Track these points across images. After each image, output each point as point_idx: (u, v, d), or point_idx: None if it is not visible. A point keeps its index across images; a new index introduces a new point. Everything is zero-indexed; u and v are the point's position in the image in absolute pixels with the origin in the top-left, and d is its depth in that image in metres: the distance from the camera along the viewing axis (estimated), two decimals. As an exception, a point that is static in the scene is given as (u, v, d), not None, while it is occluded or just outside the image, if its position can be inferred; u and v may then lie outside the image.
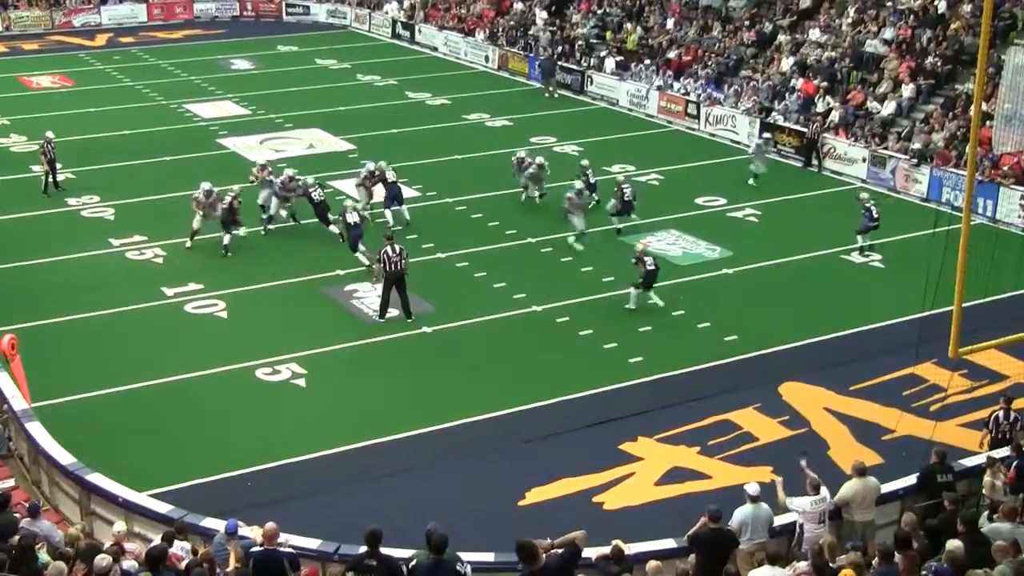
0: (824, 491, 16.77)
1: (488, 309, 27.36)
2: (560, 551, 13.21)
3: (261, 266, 29.72)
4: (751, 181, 36.84)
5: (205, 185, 30.90)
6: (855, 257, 30.69)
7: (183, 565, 14.92)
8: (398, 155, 39.00)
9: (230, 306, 27.48)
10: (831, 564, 13.99)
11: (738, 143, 41.84)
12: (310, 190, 32.08)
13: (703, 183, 37.09)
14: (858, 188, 29.02)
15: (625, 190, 32.32)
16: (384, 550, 14.11)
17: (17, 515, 17.49)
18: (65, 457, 19.86)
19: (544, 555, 12.95)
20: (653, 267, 27.09)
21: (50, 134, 36.72)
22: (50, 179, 35.64)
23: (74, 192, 35.92)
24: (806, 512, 16.48)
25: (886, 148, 37.66)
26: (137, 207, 34.65)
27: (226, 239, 30.49)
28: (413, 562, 13.02)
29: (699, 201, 35.32)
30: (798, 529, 16.45)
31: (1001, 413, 19.80)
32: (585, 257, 30.16)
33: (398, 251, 26.30)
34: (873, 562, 13.95)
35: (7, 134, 42.59)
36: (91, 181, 37.04)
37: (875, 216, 30.43)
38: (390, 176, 33.36)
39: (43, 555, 14.60)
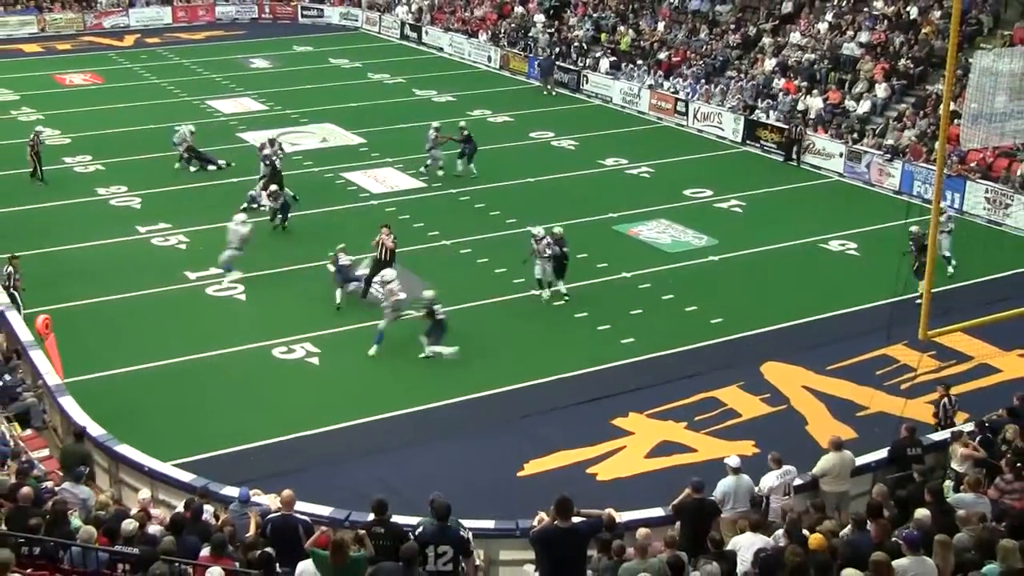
0: (786, 466, 16.82)
1: (489, 293, 27.36)
2: (586, 519, 13.21)
3: (277, 252, 29.69)
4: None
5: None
6: (832, 246, 30.65)
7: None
8: (406, 148, 39.08)
9: (248, 289, 27.49)
10: (804, 531, 14.02)
11: (724, 139, 41.78)
12: (274, 158, 33.16)
13: (691, 176, 37.05)
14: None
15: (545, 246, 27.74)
16: (393, 518, 14.18)
17: (51, 483, 17.65)
18: (95, 429, 19.90)
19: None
20: (443, 316, 24.39)
21: (40, 128, 36.89)
22: (37, 171, 35.61)
23: (103, 182, 35.90)
24: (772, 487, 16.54)
25: (862, 144, 37.60)
26: (162, 196, 34.62)
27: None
28: (419, 528, 13.06)
29: (687, 192, 35.29)
30: (765, 501, 16.49)
31: (946, 400, 20.01)
32: (581, 245, 30.08)
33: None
34: (846, 529, 13.98)
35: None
36: (119, 172, 37.00)
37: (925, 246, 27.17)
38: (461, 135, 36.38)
39: (75, 520, 14.64)
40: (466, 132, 36.69)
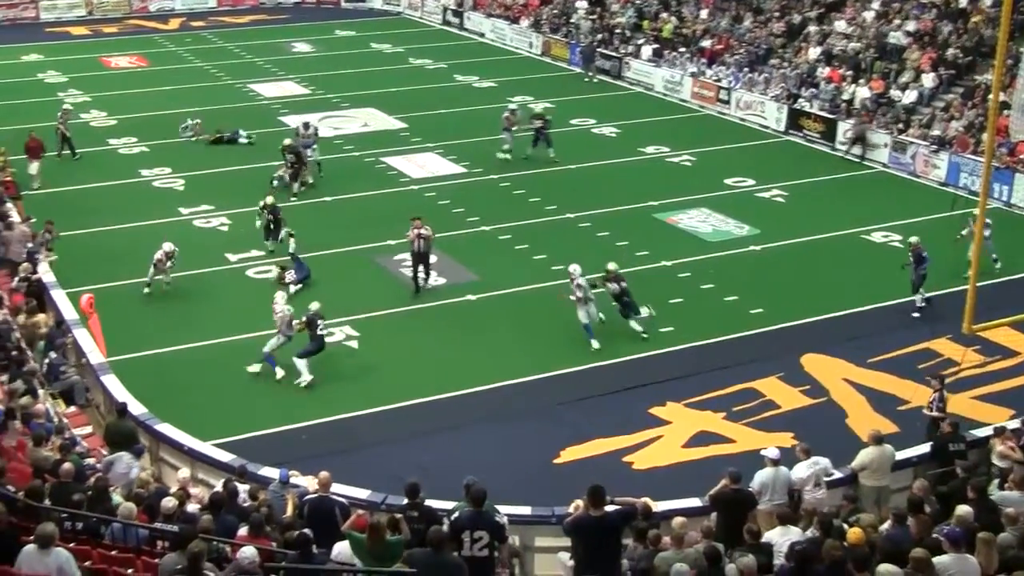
0: (816, 457, 16.75)
1: (529, 279, 27.34)
2: (619, 507, 13.22)
3: (318, 236, 29.77)
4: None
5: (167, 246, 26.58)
6: (875, 237, 30.44)
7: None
8: (447, 134, 39.17)
9: (289, 272, 27.56)
10: (841, 525, 13.95)
11: (766, 128, 41.55)
12: (300, 147, 33.62)
13: (733, 165, 36.87)
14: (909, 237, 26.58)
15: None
16: (427, 501, 14.22)
17: (93, 459, 17.83)
18: (137, 407, 20.07)
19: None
20: (324, 331, 23.15)
21: (67, 106, 37.24)
22: (66, 148, 35.99)
23: (147, 164, 36.13)
24: (802, 478, 16.46)
25: (907, 135, 37.29)
26: (205, 179, 34.83)
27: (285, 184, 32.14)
28: (455, 514, 13.07)
29: (729, 182, 35.13)
30: (797, 494, 16.42)
31: (938, 395, 19.85)
32: (621, 233, 30.07)
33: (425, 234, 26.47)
34: (886, 524, 13.91)
35: (88, 110, 42.74)
36: (163, 154, 37.23)
37: (924, 257, 25.77)
38: (536, 123, 36.49)
39: (116, 496, 14.77)
40: (545, 117, 36.91)
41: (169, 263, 26.37)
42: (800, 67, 43.14)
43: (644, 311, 24.51)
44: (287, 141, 33.52)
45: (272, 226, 28.56)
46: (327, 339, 23.15)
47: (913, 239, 25.98)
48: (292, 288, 26.39)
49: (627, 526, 13.45)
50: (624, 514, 13.17)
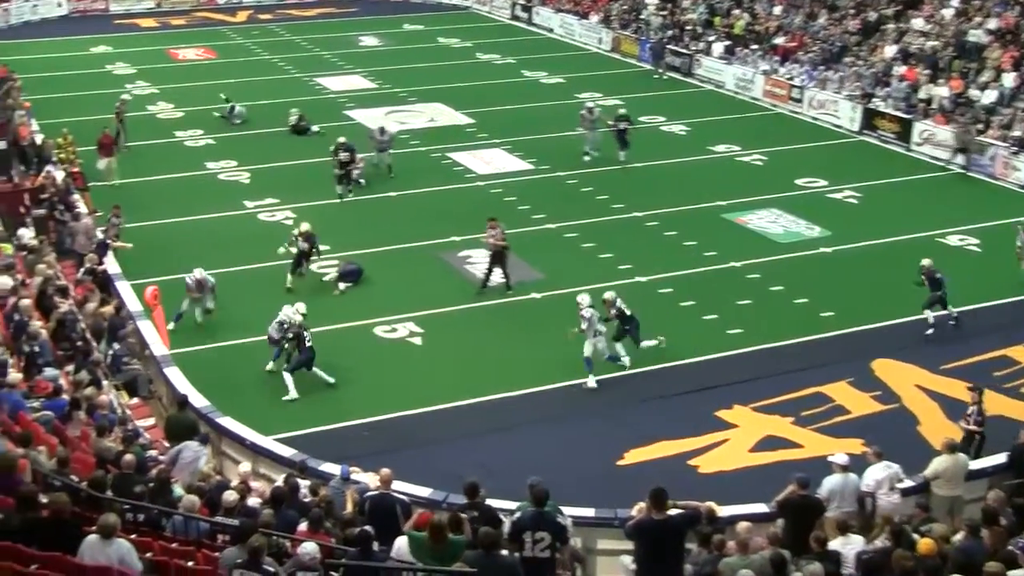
0: (886, 461, 16.57)
1: (595, 278, 27.26)
2: (683, 511, 13.16)
3: (383, 230, 29.92)
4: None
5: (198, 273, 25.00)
6: (951, 240, 30.08)
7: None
8: (514, 130, 39.19)
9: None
10: (912, 535, 13.79)
11: (840, 127, 41.18)
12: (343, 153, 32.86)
13: (804, 165, 36.58)
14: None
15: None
16: (489, 501, 14.23)
17: (155, 451, 18.04)
18: (199, 400, 20.27)
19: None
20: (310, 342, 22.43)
21: (125, 96, 37.68)
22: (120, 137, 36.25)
23: (213, 157, 36.50)
24: (879, 480, 16.28)
25: (986, 136, 36.79)
26: (270, 172, 35.13)
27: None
28: (517, 514, 13.03)
29: (800, 182, 34.86)
30: (872, 498, 16.25)
31: (976, 408, 19.41)
32: (689, 232, 29.95)
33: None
34: (958, 535, 13.72)
35: (155, 102, 43.28)
36: (229, 147, 37.62)
37: (940, 279, 25.10)
38: (621, 124, 36.12)
39: (178, 489, 14.92)
40: (628, 118, 36.61)
41: (201, 293, 24.71)
42: (875, 66, 42.71)
43: (653, 341, 23.63)
44: (340, 139, 33.18)
45: (304, 257, 26.76)
46: (392, 336, 23.23)
47: (926, 261, 25.17)
48: (342, 286, 26.60)
49: (691, 530, 13.39)
50: (688, 518, 13.11)
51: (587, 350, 22.63)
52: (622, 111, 37.06)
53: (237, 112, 40.37)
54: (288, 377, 22.03)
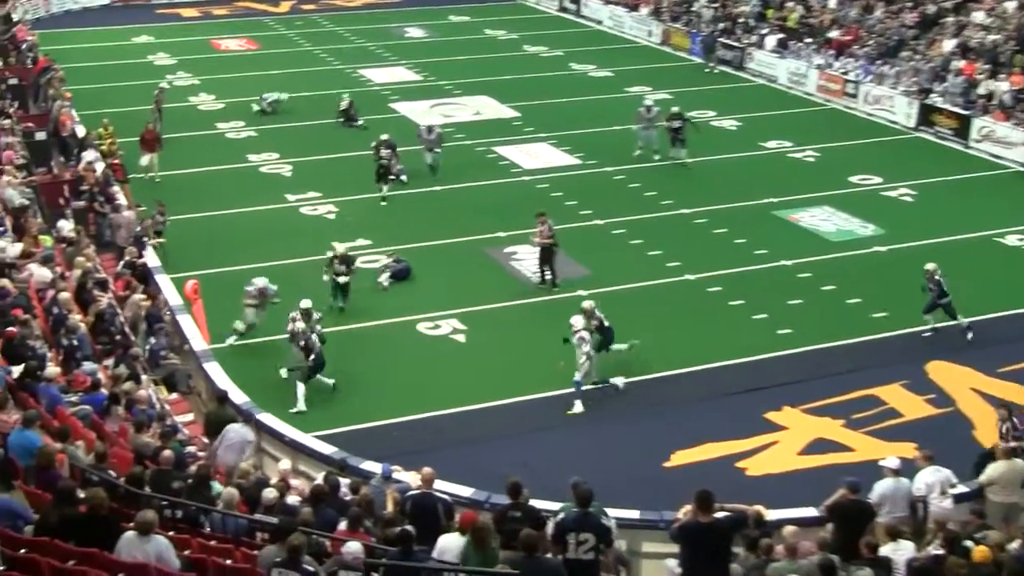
0: (937, 466, 16.45)
1: (642, 276, 27.27)
2: (729, 514, 13.12)
3: (427, 225, 30.00)
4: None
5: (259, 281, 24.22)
6: (1009, 240, 29.81)
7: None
8: (561, 124, 39.16)
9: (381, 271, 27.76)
10: (965, 542, 13.68)
11: (895, 123, 40.89)
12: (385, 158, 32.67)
13: (858, 161, 36.33)
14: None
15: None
16: (532, 502, 14.23)
17: (194, 447, 18.19)
18: (238, 396, 20.39)
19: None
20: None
21: (164, 84, 37.91)
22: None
23: (255, 149, 36.71)
24: (929, 484, 16.16)
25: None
26: (312, 165, 35.30)
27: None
28: (561, 515, 13.02)
29: (854, 179, 34.64)
30: (923, 505, 16.14)
31: (1009, 424, 18.74)
32: (739, 230, 29.84)
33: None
34: (1014, 543, 13.61)
35: (196, 93, 43.63)
36: (271, 139, 37.82)
37: (944, 290, 24.42)
38: (675, 123, 35.45)
39: (217, 486, 15.02)
40: (683, 116, 35.98)
41: (261, 300, 23.85)
42: (933, 60, 42.37)
43: (624, 345, 23.14)
44: (384, 136, 33.16)
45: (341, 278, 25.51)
46: (435, 333, 23.26)
47: (930, 265, 24.56)
48: (386, 282, 26.67)
49: (738, 534, 13.35)
50: (734, 522, 13.06)
51: (579, 373, 21.83)
52: (675, 109, 36.55)
53: (272, 101, 40.57)
54: (300, 388, 21.58)
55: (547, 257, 26.52)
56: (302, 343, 21.78)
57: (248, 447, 17.88)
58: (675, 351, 23.66)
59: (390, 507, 15.18)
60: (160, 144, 34.32)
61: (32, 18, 55.12)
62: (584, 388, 21.78)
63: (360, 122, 39.10)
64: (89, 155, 31.28)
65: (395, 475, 16.52)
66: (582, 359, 21.74)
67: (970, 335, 24.25)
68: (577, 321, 22.21)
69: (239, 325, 23.73)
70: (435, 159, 33.83)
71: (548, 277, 26.58)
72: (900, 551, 13.74)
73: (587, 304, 22.79)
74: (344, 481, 16.11)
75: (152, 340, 22.40)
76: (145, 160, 33.49)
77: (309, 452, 19.10)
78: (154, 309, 23.37)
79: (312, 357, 21.63)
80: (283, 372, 22.39)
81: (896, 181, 34.38)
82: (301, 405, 21.29)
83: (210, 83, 44.95)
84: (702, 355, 23.52)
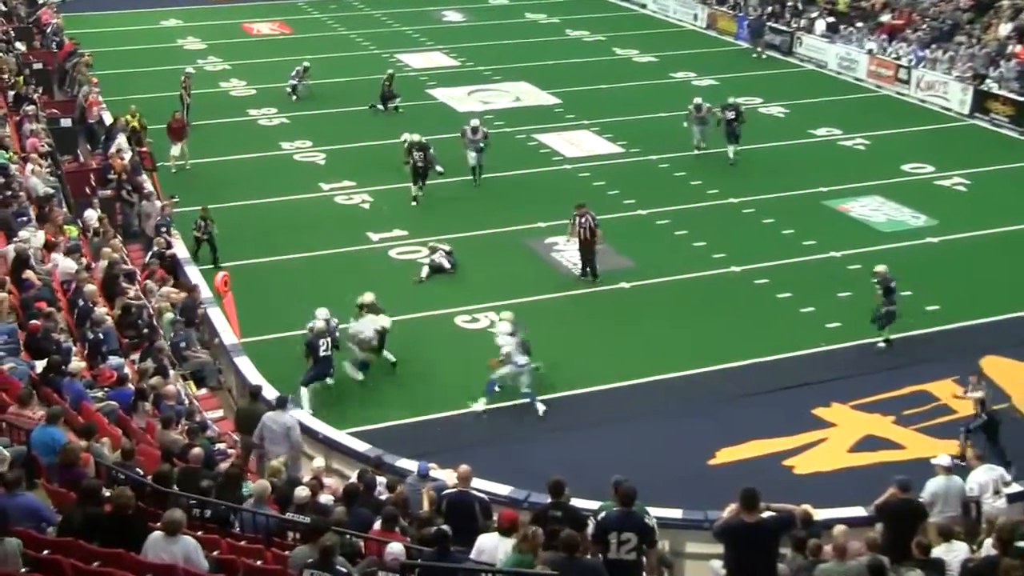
0: (989, 464, 16.29)
1: (687, 267, 27.15)
2: (776, 514, 13.03)
3: (465, 216, 29.95)
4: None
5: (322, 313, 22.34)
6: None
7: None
8: (604, 111, 39.06)
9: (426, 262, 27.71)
10: (1019, 543, 13.52)
11: (949, 110, 40.56)
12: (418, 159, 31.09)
13: (910, 150, 36.10)
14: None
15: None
16: (573, 501, 14.17)
17: (223, 444, 18.24)
18: (270, 391, 20.37)
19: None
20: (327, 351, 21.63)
21: (190, 69, 37.88)
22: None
23: (288, 136, 36.78)
24: (982, 484, 16.00)
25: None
26: (347, 153, 35.32)
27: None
28: (602, 513, 12.98)
29: (905, 168, 34.40)
30: (976, 504, 15.98)
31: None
32: (787, 220, 29.67)
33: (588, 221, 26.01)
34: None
35: (228, 79, 43.75)
36: (304, 126, 37.87)
37: (893, 289, 23.49)
38: (728, 115, 34.47)
39: (248, 485, 14.99)
40: (738, 108, 34.95)
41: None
42: (989, 45, 42.00)
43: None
44: (414, 137, 31.71)
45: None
46: (473, 327, 23.21)
47: (880, 267, 23.81)
48: (424, 273, 26.73)
49: (784, 535, 13.25)
50: (781, 522, 12.97)
51: (498, 373, 21.38)
52: (731, 100, 35.84)
53: (298, 77, 40.86)
54: (304, 392, 21.29)
55: (587, 251, 26.33)
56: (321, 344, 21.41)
57: (292, 432, 17.87)
58: (720, 345, 23.54)
59: (426, 506, 15.16)
60: (187, 132, 34.35)
61: (57, 0, 55.31)
62: (496, 389, 21.34)
63: (398, 99, 39.05)
64: (119, 142, 31.37)
65: (432, 473, 16.49)
66: (505, 369, 21.23)
67: (882, 345, 23.58)
68: (503, 326, 21.78)
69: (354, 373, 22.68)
70: (479, 159, 32.37)
71: (588, 270, 26.47)
72: (953, 552, 13.58)
73: (505, 315, 22.47)
74: (380, 479, 16.10)
75: (172, 334, 22.33)
76: (176, 150, 33.54)
77: (343, 449, 19.09)
78: (190, 302, 23.38)
79: (318, 361, 21.33)
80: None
81: (949, 170, 34.11)
82: (307, 408, 20.95)
83: (241, 68, 45.06)
84: (748, 350, 23.41)
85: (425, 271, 26.84)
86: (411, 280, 26.53)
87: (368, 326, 22.33)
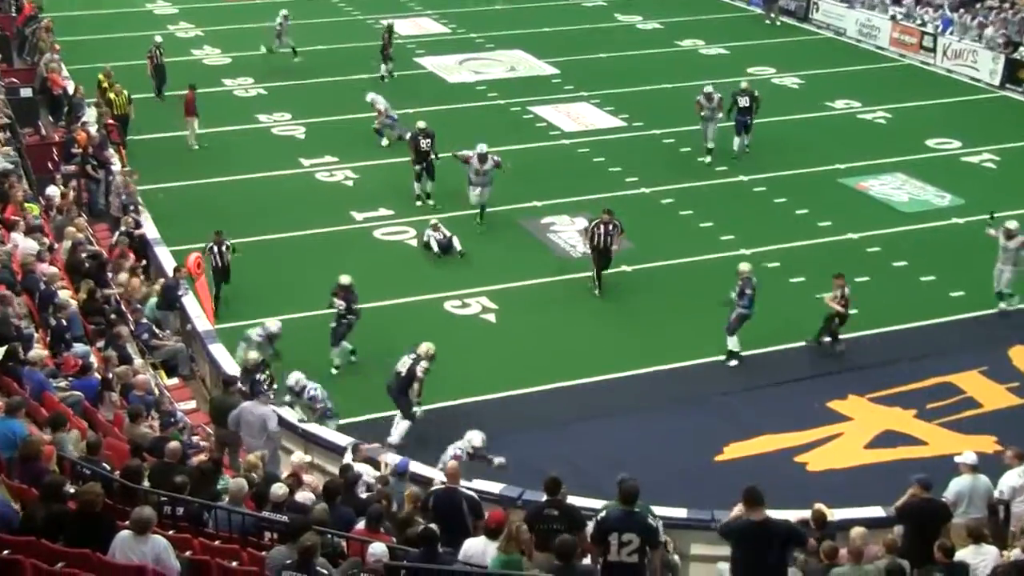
0: None
1: (693, 250, 27.21)
2: (787, 522, 13.09)
3: (454, 194, 29.87)
4: None
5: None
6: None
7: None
8: (605, 82, 39.07)
9: (421, 234, 27.78)
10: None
11: (978, 81, 40.60)
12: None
13: (936, 123, 36.17)
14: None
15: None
16: (571, 499, 14.22)
17: (197, 437, 18.28)
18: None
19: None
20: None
21: (159, 39, 37.77)
22: (160, 88, 36.56)
23: (265, 108, 36.77)
24: (1015, 487, 16.04)
25: None
26: (329, 127, 35.32)
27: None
28: (603, 513, 13.00)
29: (930, 143, 34.48)
30: (1005, 507, 16.03)
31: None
32: (801, 199, 29.72)
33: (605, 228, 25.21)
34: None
35: (200, 46, 43.71)
36: (283, 97, 37.88)
37: (747, 294, 22.86)
38: (742, 101, 32.94)
39: (223, 480, 15.04)
40: (753, 93, 33.32)
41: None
42: (1022, 11, 42.04)
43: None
44: (420, 125, 30.22)
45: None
46: (463, 312, 23.20)
47: (744, 267, 23.36)
48: (434, 245, 26.91)
49: (794, 545, 13.20)
50: (791, 529, 12.91)
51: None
52: (743, 83, 34.20)
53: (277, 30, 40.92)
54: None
55: (601, 260, 25.39)
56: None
57: (270, 422, 17.94)
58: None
59: (407, 506, 15.16)
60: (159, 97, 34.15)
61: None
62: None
63: (387, 69, 39.36)
64: (87, 114, 31.35)
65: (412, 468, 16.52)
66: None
67: (733, 363, 23.12)
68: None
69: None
70: (484, 196, 28.72)
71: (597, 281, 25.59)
72: (982, 556, 13.59)
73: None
74: (368, 473, 16.18)
75: (143, 320, 22.30)
76: (195, 124, 33.48)
77: (323, 443, 19.10)
78: (172, 282, 23.37)
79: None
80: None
81: (977, 146, 34.19)
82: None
83: (215, 35, 45.02)
84: (758, 338, 23.43)
85: (434, 245, 26.99)
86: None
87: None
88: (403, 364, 20.23)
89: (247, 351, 21.10)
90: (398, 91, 37.02)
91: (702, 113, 32.70)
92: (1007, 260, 24.41)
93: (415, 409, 20.44)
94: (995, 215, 25.70)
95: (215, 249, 24.72)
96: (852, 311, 23.99)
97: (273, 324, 22.15)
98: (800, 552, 13.60)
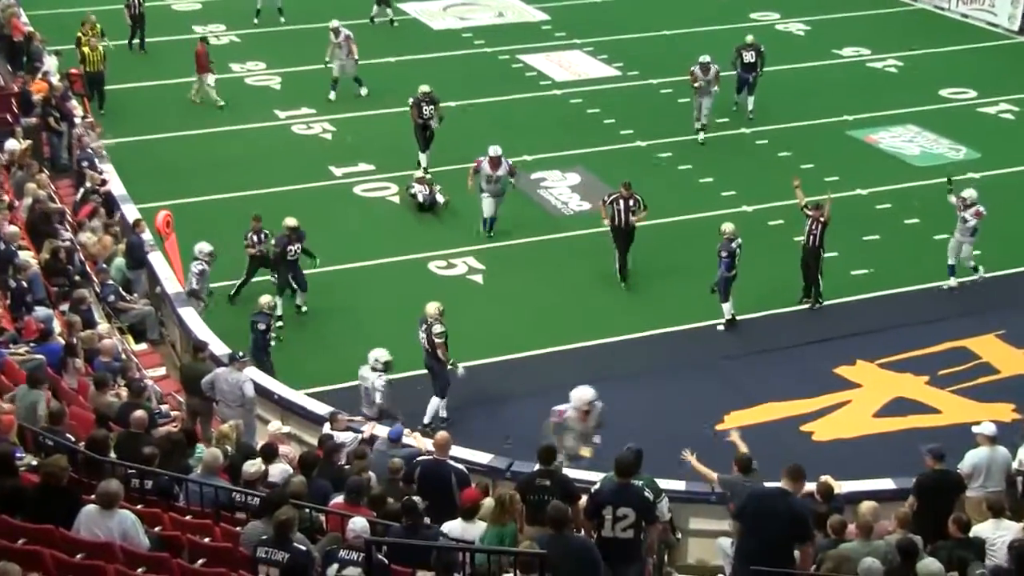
0: None
1: (692, 206, 27.18)
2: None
3: (438, 147, 29.70)
4: None
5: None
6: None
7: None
8: (598, 28, 38.92)
9: (401, 189, 27.69)
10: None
11: (996, 26, 40.51)
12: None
13: (950, 72, 36.11)
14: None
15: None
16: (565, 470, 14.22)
17: (166, 405, 18.24)
18: (219, 347, 20.35)
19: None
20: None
21: None
22: (136, 38, 36.47)
23: (239, 57, 36.58)
24: None
25: None
26: (307, 76, 35.11)
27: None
28: (597, 486, 12.96)
29: (944, 93, 34.43)
30: (1021, 481, 16.04)
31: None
32: (806, 153, 29.65)
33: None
34: None
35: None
36: (257, 46, 37.69)
37: (722, 257, 22.74)
38: (748, 56, 32.24)
39: (199, 448, 14.99)
40: (758, 48, 32.58)
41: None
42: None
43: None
44: (424, 88, 29.12)
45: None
46: (448, 273, 23.15)
47: (727, 226, 23.00)
48: (420, 197, 26.92)
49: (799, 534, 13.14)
50: (801, 515, 12.86)
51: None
52: (749, 38, 33.07)
53: None
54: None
55: (622, 242, 24.48)
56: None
57: (246, 388, 17.91)
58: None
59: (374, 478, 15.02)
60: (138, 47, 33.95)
61: None
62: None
63: (373, 13, 39.29)
64: (48, 63, 31.16)
65: (405, 439, 16.47)
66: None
67: (721, 328, 23.03)
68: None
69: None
70: (496, 207, 26.44)
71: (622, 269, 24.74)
72: (1001, 531, 13.53)
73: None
74: (345, 437, 16.20)
75: (96, 280, 22.19)
76: (210, 80, 33.14)
77: (301, 411, 19.02)
78: (136, 240, 23.20)
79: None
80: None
81: (994, 95, 34.16)
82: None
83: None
84: (761, 301, 23.48)
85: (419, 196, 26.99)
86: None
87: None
88: (421, 337, 20.02)
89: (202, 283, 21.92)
90: (377, 39, 36.82)
91: (696, 84, 30.93)
92: (965, 232, 24.11)
93: (458, 367, 20.18)
94: (953, 179, 25.54)
95: (255, 238, 23.64)
96: (861, 271, 24.04)
97: (205, 245, 22.55)
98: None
